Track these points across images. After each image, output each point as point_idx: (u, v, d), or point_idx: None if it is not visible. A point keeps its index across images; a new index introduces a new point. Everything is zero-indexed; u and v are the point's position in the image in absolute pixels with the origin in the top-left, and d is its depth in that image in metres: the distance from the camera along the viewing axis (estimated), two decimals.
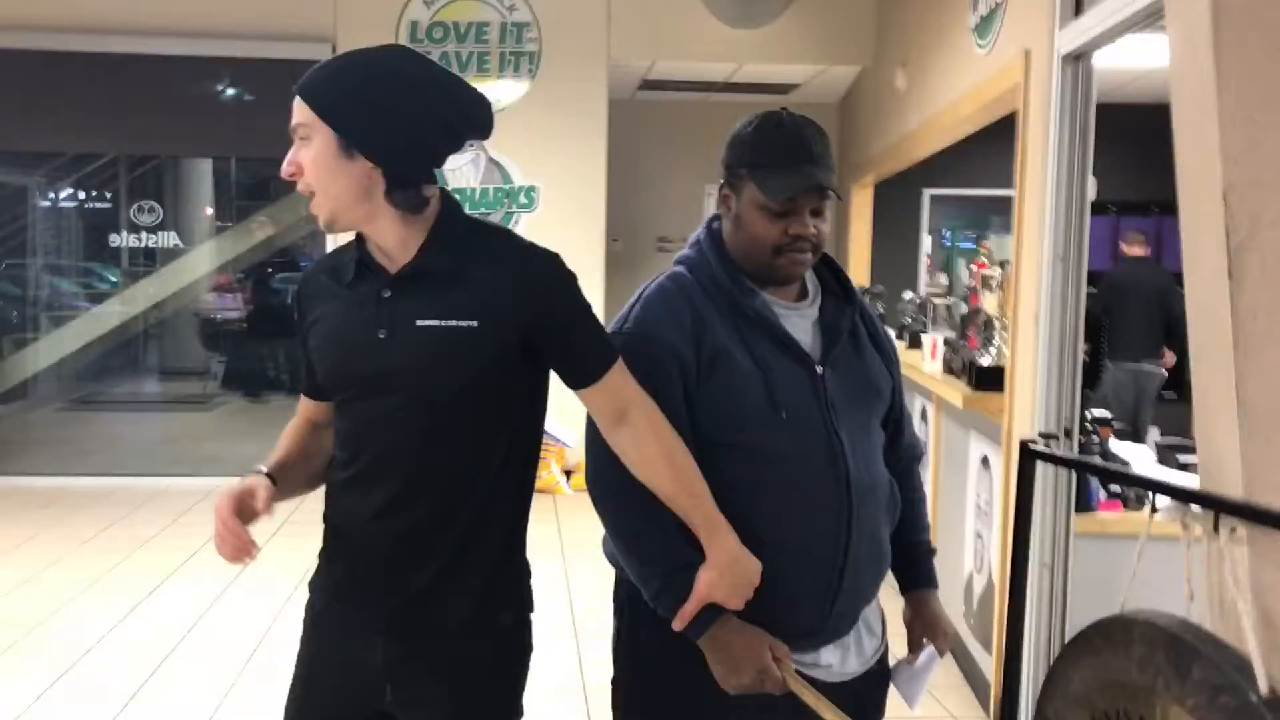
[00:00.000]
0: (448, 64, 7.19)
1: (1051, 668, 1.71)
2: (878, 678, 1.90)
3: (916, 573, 1.95)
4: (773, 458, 1.73)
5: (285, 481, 1.77)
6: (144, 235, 7.78)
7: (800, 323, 1.83)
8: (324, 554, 1.82)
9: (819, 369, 1.79)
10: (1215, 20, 1.37)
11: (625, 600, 1.86)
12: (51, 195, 8.56)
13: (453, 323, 1.63)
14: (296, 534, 5.80)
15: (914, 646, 1.93)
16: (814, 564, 1.74)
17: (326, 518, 1.80)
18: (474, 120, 1.68)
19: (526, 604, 1.81)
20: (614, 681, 1.89)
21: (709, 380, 1.74)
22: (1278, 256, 1.37)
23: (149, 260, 8.49)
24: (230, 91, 7.27)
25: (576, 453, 7.18)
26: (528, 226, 7.29)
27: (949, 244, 9.76)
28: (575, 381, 1.70)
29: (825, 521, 1.73)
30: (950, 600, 3.83)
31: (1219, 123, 1.36)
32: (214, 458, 7.80)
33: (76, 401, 9.14)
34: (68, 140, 7.58)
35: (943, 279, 7.68)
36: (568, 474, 7.21)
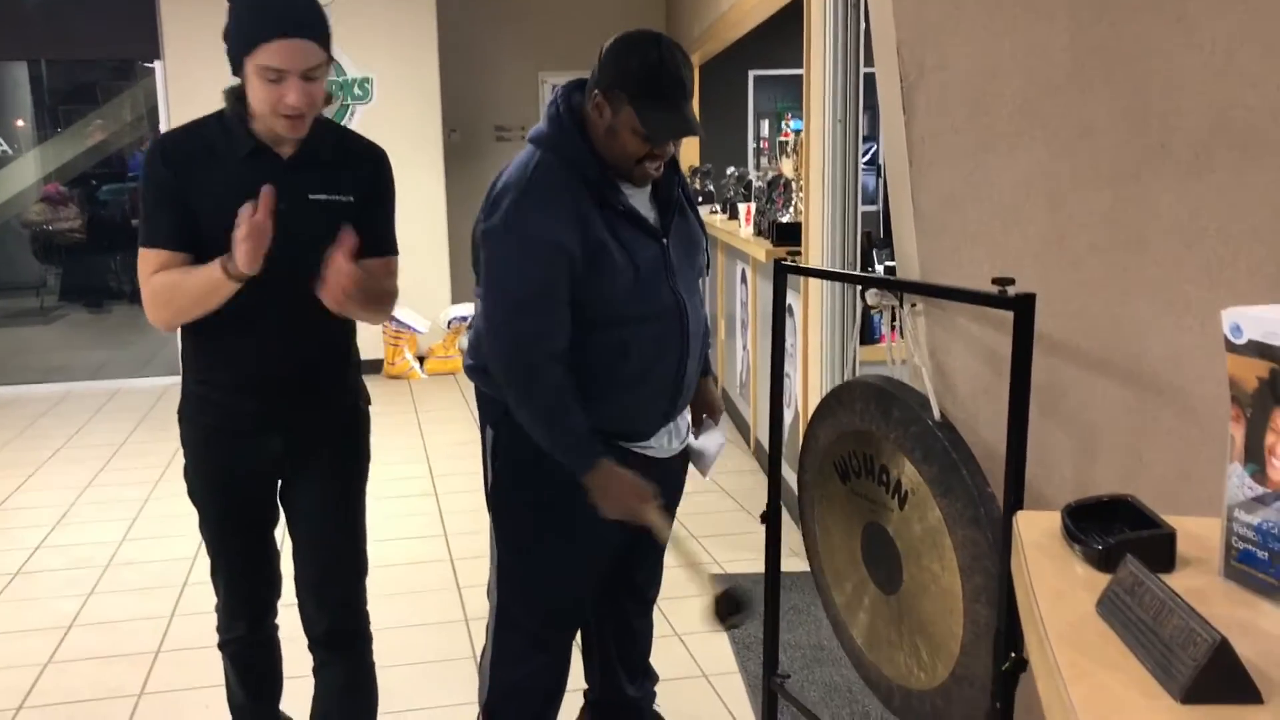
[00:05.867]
0: None
1: (805, 434, 2.19)
2: (684, 454, 2.37)
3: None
4: (634, 320, 2.10)
5: None
6: None
7: (641, 199, 2.17)
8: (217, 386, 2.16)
9: (664, 240, 2.15)
10: None
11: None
12: None
13: (336, 197, 2.07)
14: (145, 447, 5.99)
15: (696, 422, 2.42)
16: (663, 388, 2.18)
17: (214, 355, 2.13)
18: None
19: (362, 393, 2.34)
20: (491, 490, 2.28)
21: (590, 272, 2.04)
22: (939, 95, 1.81)
23: None
24: None
25: (427, 339, 7.48)
26: (365, 118, 7.41)
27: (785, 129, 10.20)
28: (379, 249, 2.14)
29: (670, 358, 2.17)
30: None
31: None
32: (61, 367, 7.80)
33: None
34: None
35: (784, 164, 8.10)
36: (420, 360, 7.52)
